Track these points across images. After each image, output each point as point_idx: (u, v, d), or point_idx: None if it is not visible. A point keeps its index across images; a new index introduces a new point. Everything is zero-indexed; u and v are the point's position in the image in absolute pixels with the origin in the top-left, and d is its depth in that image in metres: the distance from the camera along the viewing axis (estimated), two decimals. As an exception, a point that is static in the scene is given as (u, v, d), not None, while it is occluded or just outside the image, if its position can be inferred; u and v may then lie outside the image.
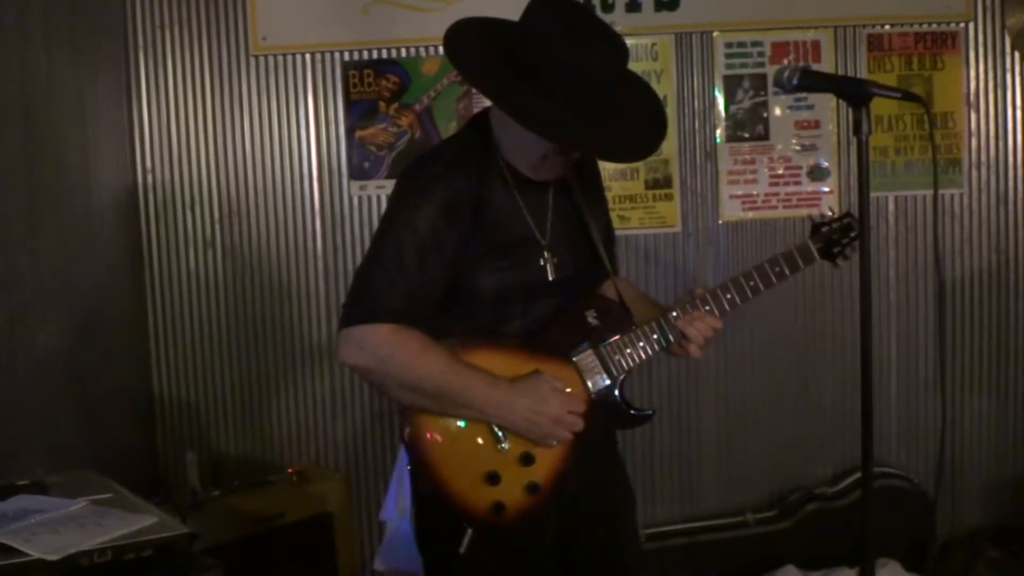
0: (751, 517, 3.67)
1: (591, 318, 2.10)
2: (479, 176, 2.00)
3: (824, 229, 2.15)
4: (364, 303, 1.95)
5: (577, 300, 2.11)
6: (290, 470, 3.45)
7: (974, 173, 3.73)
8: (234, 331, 3.74)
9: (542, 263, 2.06)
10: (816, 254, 2.14)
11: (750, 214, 3.72)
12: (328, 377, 3.75)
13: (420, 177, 2.01)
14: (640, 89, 2.11)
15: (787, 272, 2.13)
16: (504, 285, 2.01)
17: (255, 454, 3.74)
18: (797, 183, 3.71)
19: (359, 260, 3.67)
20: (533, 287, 2.05)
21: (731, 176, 3.71)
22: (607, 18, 3.59)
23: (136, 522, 1.90)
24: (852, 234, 2.14)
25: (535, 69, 1.85)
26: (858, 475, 3.52)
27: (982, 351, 3.78)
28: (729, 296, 2.11)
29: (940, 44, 3.68)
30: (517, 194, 2.03)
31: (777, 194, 3.71)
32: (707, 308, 2.10)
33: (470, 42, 1.94)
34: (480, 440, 2.01)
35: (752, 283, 2.12)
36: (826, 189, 3.71)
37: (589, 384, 2.08)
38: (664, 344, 2.10)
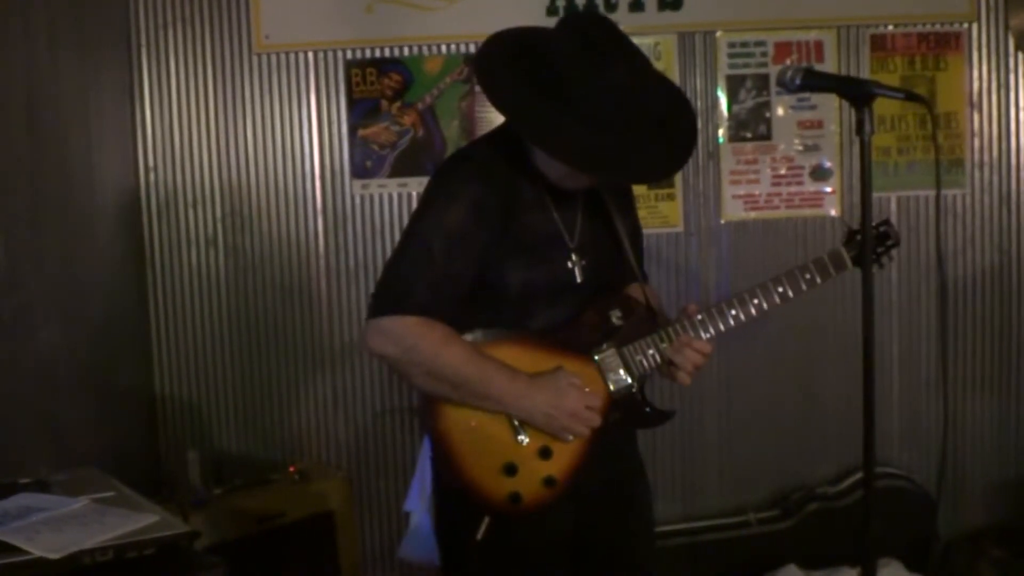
0: (753, 516, 3.67)
1: (615, 318, 2.11)
2: (510, 176, 2.03)
3: (859, 237, 2.11)
4: (392, 294, 1.99)
5: (602, 299, 2.13)
6: (292, 469, 3.45)
7: (977, 173, 3.72)
8: (236, 330, 3.74)
9: (570, 265, 2.09)
10: (849, 262, 2.12)
11: (752, 214, 3.72)
12: (330, 376, 3.76)
13: (452, 175, 2.06)
14: (669, 97, 2.09)
15: (818, 279, 2.12)
16: (530, 283, 2.04)
17: (257, 452, 3.74)
18: (800, 183, 3.71)
19: (361, 258, 3.73)
20: (559, 287, 2.08)
21: (733, 176, 3.71)
22: (611, 18, 3.59)
23: (138, 520, 1.90)
24: (889, 242, 2.15)
25: (559, 93, 1.88)
26: (860, 475, 3.52)
27: (984, 351, 3.78)
28: (756, 301, 2.12)
29: (943, 44, 3.68)
30: (547, 196, 2.06)
31: (780, 194, 3.71)
32: (733, 312, 2.10)
33: (499, 67, 1.97)
34: (499, 432, 2.04)
35: (781, 289, 2.12)
36: (828, 189, 3.71)
37: (610, 383, 2.10)
38: None
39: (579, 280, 2.09)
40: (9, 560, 1.72)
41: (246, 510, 3.15)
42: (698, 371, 2.12)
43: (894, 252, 2.19)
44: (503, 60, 1.98)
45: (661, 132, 1.98)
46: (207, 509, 3.10)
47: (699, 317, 2.10)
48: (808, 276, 2.12)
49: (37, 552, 1.74)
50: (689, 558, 3.56)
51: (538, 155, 2.01)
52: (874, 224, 2.12)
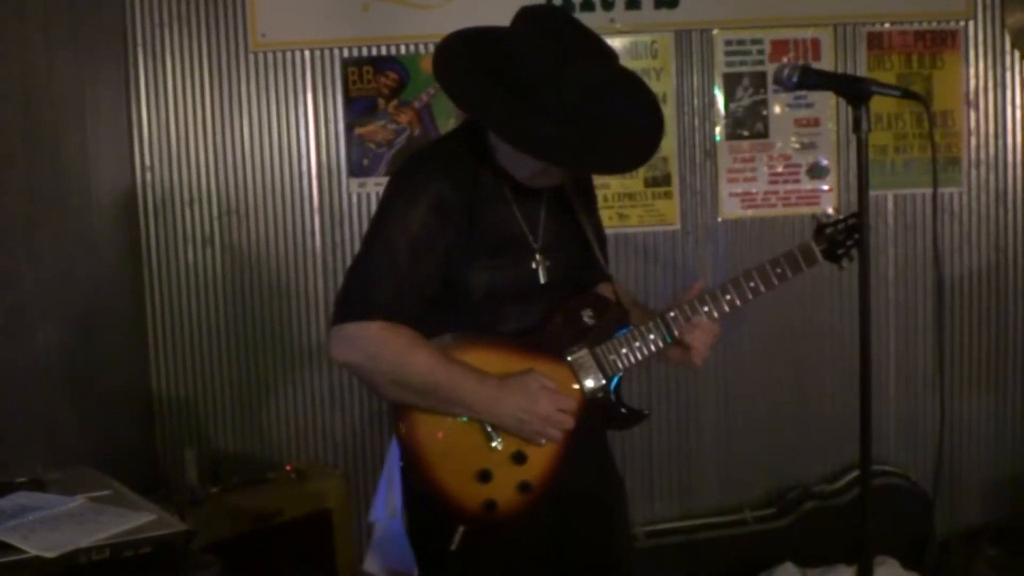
0: (750, 515, 3.68)
1: (587, 317, 2.08)
2: (473, 176, 1.99)
3: (828, 230, 2.11)
4: (355, 300, 1.94)
5: (573, 299, 2.10)
6: (289, 467, 3.45)
7: (973, 172, 3.73)
8: (233, 328, 3.74)
9: (534, 266, 2.05)
10: (819, 255, 2.11)
11: (749, 212, 3.72)
12: (327, 374, 3.75)
13: (413, 175, 2.00)
14: (633, 89, 2.04)
15: (789, 273, 2.10)
16: (496, 284, 2.00)
17: (254, 451, 3.74)
18: (796, 181, 3.71)
19: (358, 258, 3.69)
20: (525, 288, 2.04)
21: (730, 174, 3.71)
22: (607, 15, 3.60)
23: (134, 519, 1.90)
24: (857, 235, 2.10)
25: (526, 88, 1.84)
26: (856, 473, 3.52)
27: (981, 349, 3.78)
28: (728, 297, 2.09)
29: (940, 43, 3.68)
30: (510, 196, 2.03)
31: (776, 192, 3.71)
32: (705, 309, 2.08)
33: (459, 63, 1.92)
34: (472, 438, 2.00)
35: (752, 284, 2.10)
36: (825, 187, 3.71)
37: (583, 384, 2.06)
38: (662, 344, 2.08)
39: (543, 281, 2.05)
40: (6, 559, 1.72)
41: (243, 509, 3.14)
42: (709, 350, 2.10)
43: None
44: (461, 56, 1.93)
45: (627, 123, 1.93)
46: (204, 508, 3.09)
47: (672, 314, 2.08)
48: (779, 270, 2.11)
49: (33, 551, 1.74)
50: (686, 556, 3.56)
51: (503, 153, 1.97)
52: (842, 217, 2.10)
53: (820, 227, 2.12)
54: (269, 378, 3.76)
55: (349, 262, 3.72)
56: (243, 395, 3.76)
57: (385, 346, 1.91)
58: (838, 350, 3.72)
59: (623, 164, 2.05)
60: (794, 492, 3.72)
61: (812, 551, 3.51)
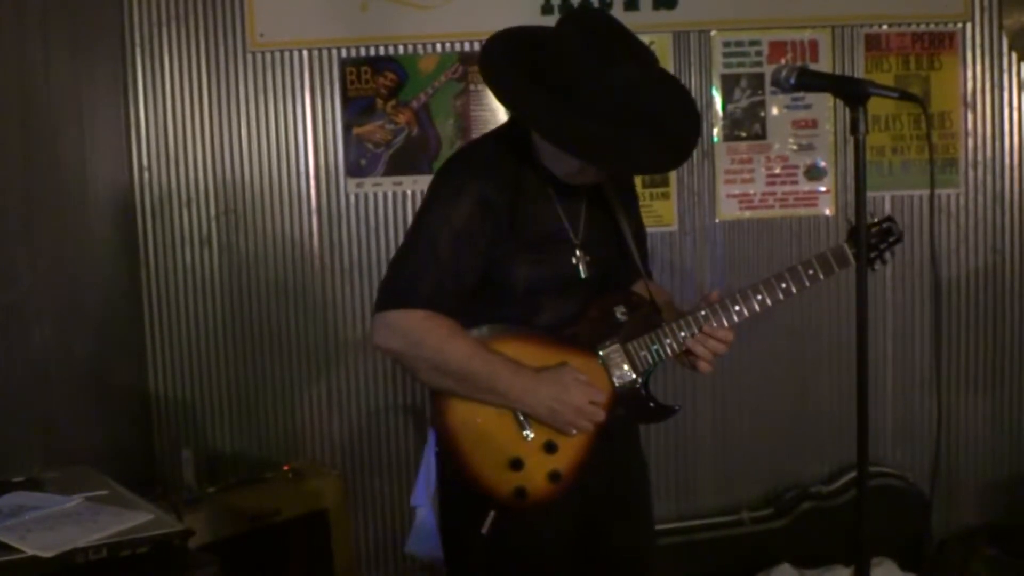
0: (747, 515, 3.68)
1: (620, 313, 2.13)
2: (515, 173, 2.05)
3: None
4: (399, 290, 2.01)
5: (607, 295, 2.15)
6: (286, 467, 3.44)
7: (970, 173, 3.73)
8: (230, 328, 3.73)
9: (574, 261, 2.11)
10: (852, 257, 2.13)
11: (747, 213, 3.72)
12: (324, 374, 3.75)
13: (458, 170, 2.08)
14: (671, 91, 2.12)
15: (821, 275, 2.14)
16: (535, 279, 2.06)
17: (251, 451, 3.74)
18: (794, 182, 3.72)
19: (356, 257, 3.72)
20: (564, 283, 2.10)
21: (728, 175, 3.71)
22: (605, 16, 3.60)
23: (131, 519, 1.90)
24: (891, 238, 2.16)
25: (567, 89, 1.89)
26: (854, 474, 3.53)
27: (978, 350, 3.79)
28: (760, 297, 2.13)
29: (938, 44, 3.69)
30: (552, 193, 2.08)
31: (774, 193, 3.71)
32: (736, 308, 2.12)
33: (504, 62, 1.99)
34: (505, 426, 2.06)
35: (784, 284, 2.14)
36: (823, 188, 3.71)
37: (614, 378, 2.11)
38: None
39: (584, 275, 2.12)
40: (3, 559, 1.72)
41: (240, 508, 3.14)
42: (717, 358, 2.14)
43: (896, 248, 2.19)
44: (508, 56, 2.00)
45: (664, 124, 1.99)
46: (201, 507, 3.09)
47: (703, 313, 2.12)
48: (811, 271, 2.14)
49: (30, 551, 1.74)
50: (683, 557, 3.56)
51: (544, 151, 2.03)
52: (877, 220, 2.15)
53: (853, 229, 2.14)
54: (267, 378, 3.75)
55: (347, 262, 3.78)
56: (240, 395, 3.76)
57: (427, 334, 1.99)
58: (835, 351, 3.73)
59: (659, 164, 2.17)
60: (791, 493, 3.73)
61: (809, 552, 3.52)
